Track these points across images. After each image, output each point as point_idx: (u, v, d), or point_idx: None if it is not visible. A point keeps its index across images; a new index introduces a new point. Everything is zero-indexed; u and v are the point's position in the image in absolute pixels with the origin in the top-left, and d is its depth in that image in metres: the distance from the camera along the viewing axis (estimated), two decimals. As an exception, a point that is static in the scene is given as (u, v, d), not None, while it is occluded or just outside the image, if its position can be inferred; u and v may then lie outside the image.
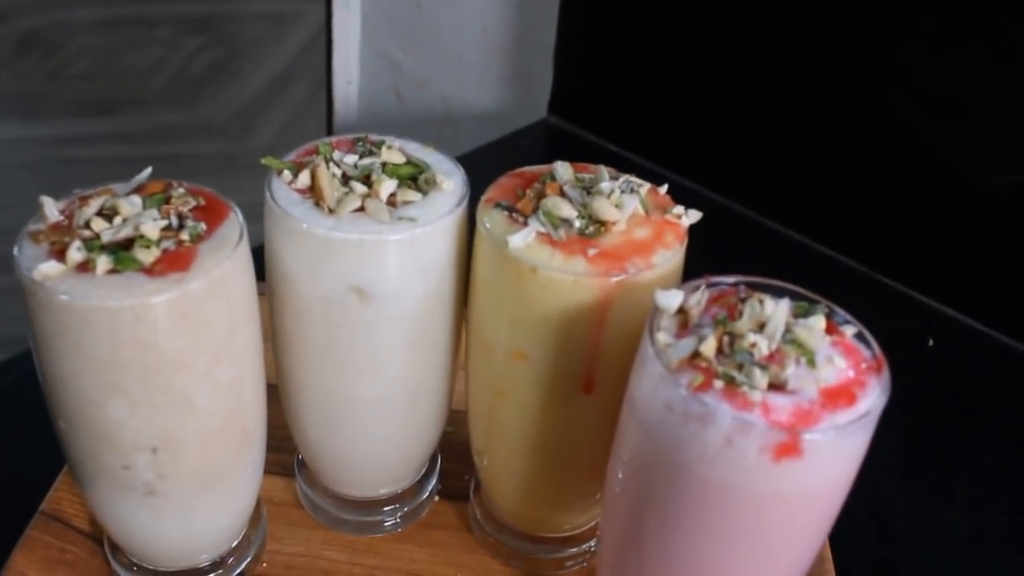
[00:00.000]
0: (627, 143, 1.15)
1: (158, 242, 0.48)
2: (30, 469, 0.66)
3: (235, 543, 0.61)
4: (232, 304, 0.50)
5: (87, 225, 0.48)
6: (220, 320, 0.49)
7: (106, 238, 0.48)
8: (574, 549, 0.65)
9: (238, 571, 0.61)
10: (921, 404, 0.83)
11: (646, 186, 0.56)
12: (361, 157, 0.56)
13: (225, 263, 0.48)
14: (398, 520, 0.67)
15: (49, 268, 0.46)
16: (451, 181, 0.55)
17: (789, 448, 0.43)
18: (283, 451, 0.67)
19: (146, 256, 0.47)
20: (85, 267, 0.46)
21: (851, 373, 0.46)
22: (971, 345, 0.93)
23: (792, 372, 0.45)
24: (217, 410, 0.52)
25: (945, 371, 0.90)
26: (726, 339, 0.47)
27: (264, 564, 0.64)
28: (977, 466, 0.80)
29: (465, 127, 1.32)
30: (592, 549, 0.65)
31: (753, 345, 0.46)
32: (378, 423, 0.60)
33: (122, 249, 0.47)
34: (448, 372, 0.61)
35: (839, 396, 0.45)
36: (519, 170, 0.58)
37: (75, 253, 0.46)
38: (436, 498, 0.69)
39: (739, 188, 1.08)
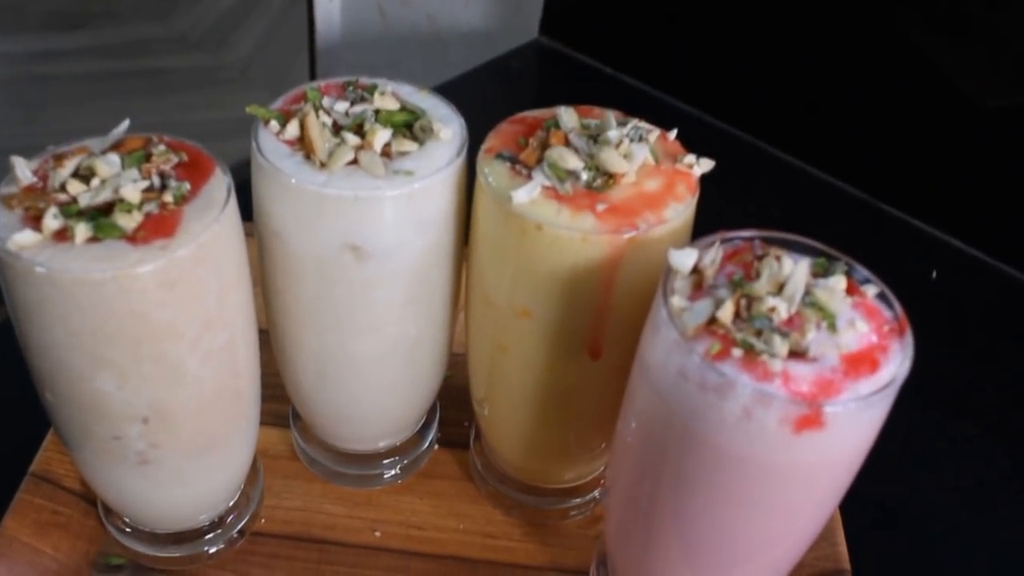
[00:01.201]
0: (623, 65, 1.11)
1: (140, 205, 0.45)
2: (17, 429, 0.64)
3: (233, 501, 0.60)
4: (222, 268, 0.47)
5: (63, 188, 0.45)
6: (210, 285, 0.47)
7: (84, 203, 0.45)
8: (578, 500, 0.64)
9: (237, 529, 0.60)
10: (923, 339, 0.82)
11: (656, 132, 0.53)
12: (352, 104, 0.52)
13: (213, 226, 0.46)
14: (398, 472, 0.65)
15: (24, 238, 0.43)
16: (449, 129, 0.52)
17: (810, 420, 0.42)
18: (276, 400, 0.65)
19: (128, 222, 0.44)
20: (63, 236, 0.43)
21: (873, 338, 0.44)
22: (975, 277, 0.91)
23: (813, 338, 0.43)
24: (209, 376, 0.49)
25: (948, 304, 0.88)
26: (743, 302, 0.45)
27: (263, 520, 0.63)
28: (980, 402, 0.79)
29: (453, 47, 1.27)
30: (597, 498, 0.65)
31: (772, 309, 0.44)
32: (376, 378, 0.58)
33: (102, 214, 0.44)
34: (448, 323, 0.59)
35: (861, 363, 0.43)
36: (520, 115, 0.55)
37: (51, 220, 0.43)
38: (435, 447, 0.68)
39: (737, 111, 1.04)
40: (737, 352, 0.42)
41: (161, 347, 0.46)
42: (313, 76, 1.35)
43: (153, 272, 0.43)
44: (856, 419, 0.43)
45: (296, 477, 0.66)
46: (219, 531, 0.59)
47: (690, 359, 0.43)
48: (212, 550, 0.59)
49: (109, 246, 0.43)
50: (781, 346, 0.42)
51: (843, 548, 0.61)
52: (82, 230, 0.43)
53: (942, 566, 0.67)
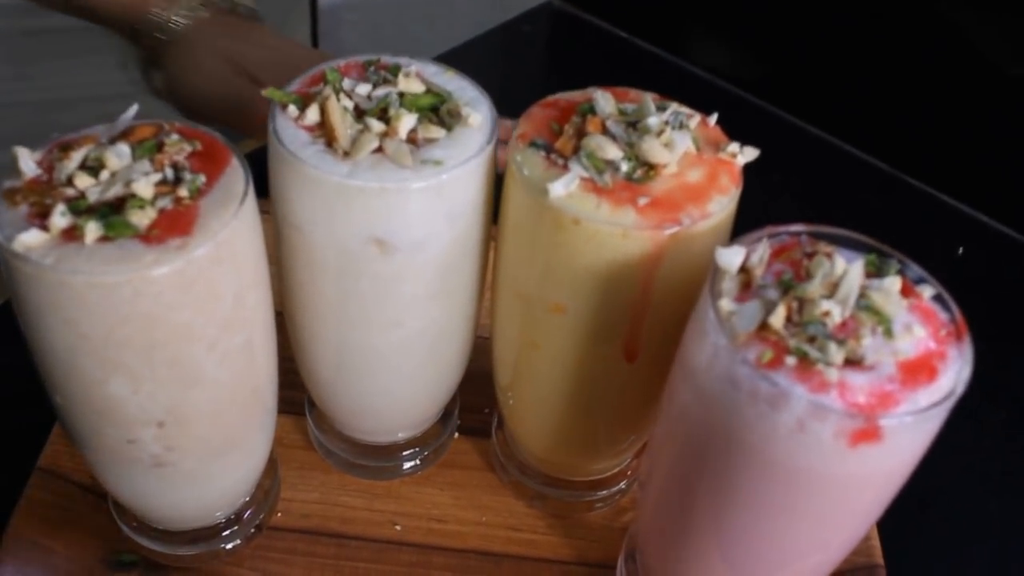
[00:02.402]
0: (636, 29, 1.07)
1: (153, 201, 0.42)
2: (23, 422, 0.62)
3: (249, 496, 0.58)
4: (240, 266, 0.45)
5: (70, 181, 0.42)
6: (228, 285, 0.44)
7: (93, 198, 0.42)
8: (604, 492, 0.62)
9: (254, 524, 0.58)
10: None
11: (696, 118, 0.50)
12: (375, 86, 0.49)
13: (231, 223, 0.43)
14: (418, 463, 0.63)
15: (31, 238, 0.40)
16: (478, 114, 0.49)
17: (867, 434, 0.39)
18: (291, 386, 0.62)
19: (141, 219, 0.41)
20: (72, 235, 0.41)
21: (931, 344, 0.42)
22: (1004, 254, 0.89)
23: (868, 344, 0.41)
24: (227, 378, 0.47)
25: (975, 282, 0.86)
26: (795, 305, 0.42)
27: (279, 514, 0.61)
28: (1009, 386, 0.77)
29: (460, 8, 1.22)
30: (623, 489, 0.63)
31: (826, 314, 0.42)
32: (398, 371, 0.56)
33: (113, 211, 0.41)
34: (473, 314, 0.57)
35: (919, 371, 0.41)
36: (552, 98, 0.52)
37: (59, 219, 0.40)
38: (456, 434, 0.66)
39: (757, 79, 1.01)
40: (791, 360, 0.40)
41: (177, 350, 0.43)
42: (315, 37, 1.30)
43: (169, 274, 0.41)
44: (914, 432, 0.41)
45: (312, 468, 0.64)
46: (236, 528, 0.57)
47: (741, 367, 0.41)
48: (229, 546, 0.57)
49: (122, 246, 0.40)
50: (837, 354, 0.40)
51: (876, 543, 0.60)
52: (92, 229, 0.40)
53: (974, 558, 0.65)
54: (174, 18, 0.78)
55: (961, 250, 0.88)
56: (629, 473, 0.63)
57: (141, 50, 0.82)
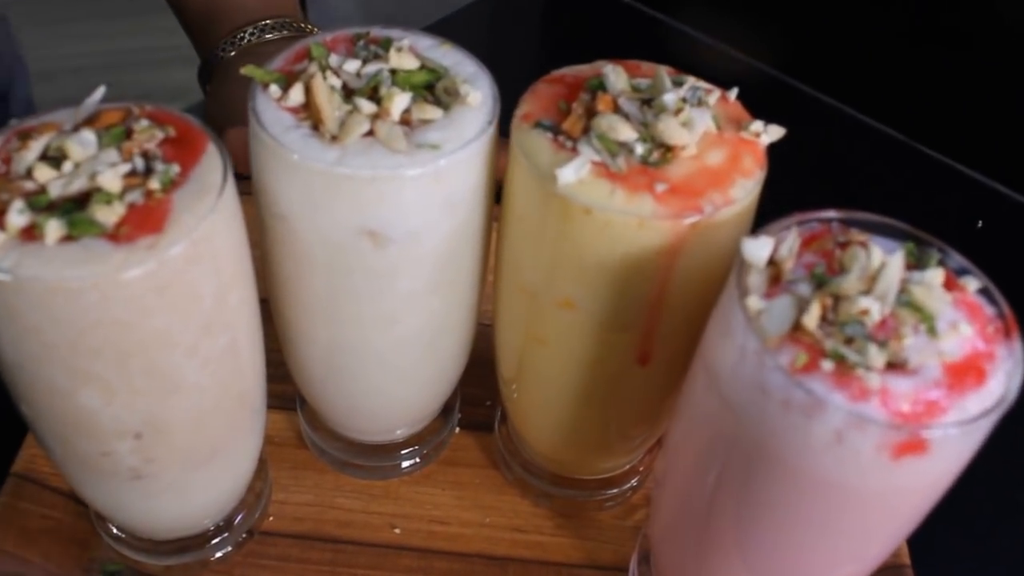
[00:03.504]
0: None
1: (121, 195, 0.38)
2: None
3: (239, 500, 0.54)
4: (220, 264, 0.41)
5: (29, 174, 0.38)
6: (207, 285, 0.40)
7: (55, 193, 0.38)
8: (613, 490, 0.59)
9: (245, 530, 0.55)
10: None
11: (716, 93, 0.46)
12: (364, 63, 0.45)
13: (209, 217, 0.39)
14: (417, 461, 0.60)
15: (-15, 238, 0.36)
16: (477, 92, 0.45)
17: (912, 446, 0.36)
18: (280, 379, 0.57)
19: (108, 216, 0.37)
20: (31, 234, 0.36)
21: (979, 343, 0.38)
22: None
23: (911, 344, 0.37)
24: (210, 383, 0.43)
25: (995, 256, 0.82)
26: (829, 302, 0.38)
27: (271, 518, 0.57)
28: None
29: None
30: (634, 486, 0.59)
31: (864, 312, 0.38)
32: (394, 370, 0.52)
33: (76, 207, 0.37)
34: (474, 306, 0.53)
35: (966, 374, 0.37)
36: (558, 73, 0.47)
37: (16, 217, 0.36)
38: (456, 429, 0.62)
39: (770, 49, 0.96)
40: (827, 365, 0.36)
41: (153, 357, 0.40)
42: (303, 3, 1.25)
43: (141, 276, 0.37)
44: (962, 442, 0.37)
45: (305, 467, 0.60)
46: (226, 534, 0.54)
47: (772, 374, 0.37)
48: (219, 555, 0.54)
49: (87, 246, 0.36)
50: (878, 357, 0.37)
51: (903, 543, 0.56)
52: (54, 228, 0.36)
53: (999, 557, 0.62)
54: (223, 44, 0.75)
55: (980, 223, 0.84)
56: (641, 469, 0.59)
57: (202, 62, 0.79)
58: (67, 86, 1.66)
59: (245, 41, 0.75)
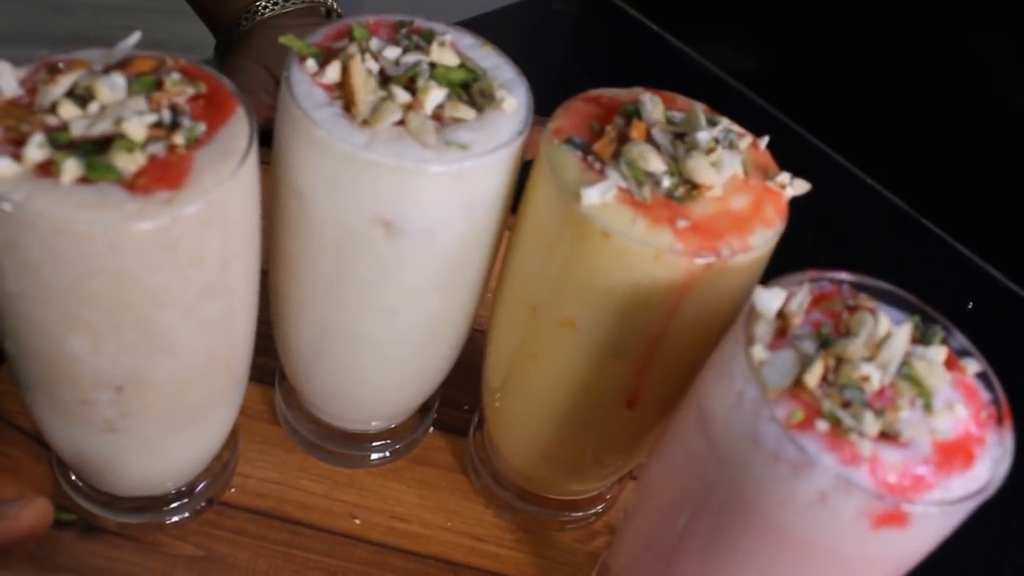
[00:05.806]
0: (670, 25, 1.03)
1: (144, 145, 0.37)
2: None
3: (205, 468, 0.53)
4: (231, 231, 0.40)
5: (53, 109, 0.37)
6: (215, 250, 0.39)
7: (77, 132, 0.37)
8: (578, 513, 0.59)
9: (206, 498, 0.54)
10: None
11: (748, 139, 0.46)
12: (404, 52, 0.45)
13: (227, 182, 0.38)
14: (387, 455, 0.59)
15: (0, 167, 0.35)
16: (513, 98, 0.45)
17: (893, 518, 0.36)
18: (263, 352, 0.56)
19: (127, 163, 0.36)
20: (47, 170, 0.36)
21: (972, 426, 0.39)
22: (1016, 312, 0.86)
23: (906, 418, 0.38)
24: (200, 348, 0.43)
25: (985, 340, 0.83)
26: (832, 363, 0.38)
27: (233, 489, 0.56)
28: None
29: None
30: (599, 513, 0.59)
31: (865, 378, 0.38)
32: (383, 361, 0.51)
33: (97, 150, 0.37)
34: (472, 310, 0.53)
35: (955, 455, 0.38)
36: (595, 92, 0.47)
37: (35, 151, 0.36)
38: (431, 429, 0.62)
39: (784, 96, 0.97)
40: (822, 425, 0.37)
41: (148, 313, 0.39)
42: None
43: (151, 231, 0.36)
44: (942, 521, 0.37)
45: (274, 444, 0.59)
46: (186, 500, 0.53)
47: (767, 425, 0.37)
48: (175, 519, 0.53)
49: (102, 191, 0.36)
50: (873, 425, 0.37)
51: None
52: (71, 167, 0.36)
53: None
54: (241, 17, 0.75)
55: (971, 304, 0.85)
56: (608, 497, 0.59)
57: (218, 40, 0.79)
58: (83, 21, 1.64)
59: (267, 11, 0.74)
